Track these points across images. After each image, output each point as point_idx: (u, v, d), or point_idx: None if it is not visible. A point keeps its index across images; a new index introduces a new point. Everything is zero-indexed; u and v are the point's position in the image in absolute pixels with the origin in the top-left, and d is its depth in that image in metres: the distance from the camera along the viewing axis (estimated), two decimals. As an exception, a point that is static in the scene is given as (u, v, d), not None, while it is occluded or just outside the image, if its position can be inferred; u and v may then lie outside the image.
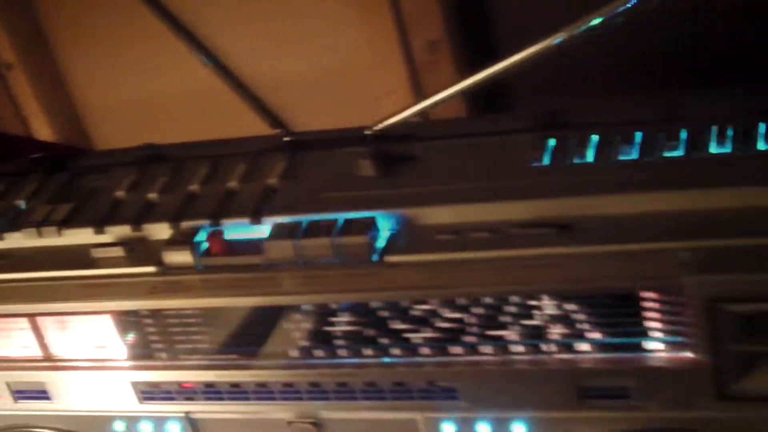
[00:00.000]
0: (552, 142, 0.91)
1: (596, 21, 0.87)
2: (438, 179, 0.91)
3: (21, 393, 1.02)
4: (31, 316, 0.97)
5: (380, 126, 0.96)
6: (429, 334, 0.87)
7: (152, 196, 0.99)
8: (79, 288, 0.95)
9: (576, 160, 0.89)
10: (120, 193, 1.01)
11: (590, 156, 0.89)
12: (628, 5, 0.86)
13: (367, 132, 0.98)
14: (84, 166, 1.10)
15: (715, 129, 0.87)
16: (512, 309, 0.84)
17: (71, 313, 0.95)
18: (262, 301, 0.88)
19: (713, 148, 0.85)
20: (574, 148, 0.90)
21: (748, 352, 0.79)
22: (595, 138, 0.90)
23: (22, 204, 1.04)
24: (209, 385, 0.94)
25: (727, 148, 0.85)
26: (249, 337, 0.91)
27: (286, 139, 1.02)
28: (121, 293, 0.93)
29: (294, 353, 0.91)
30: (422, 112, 0.97)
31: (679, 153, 0.86)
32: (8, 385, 1.02)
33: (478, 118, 1.35)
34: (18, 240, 1.01)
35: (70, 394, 1.00)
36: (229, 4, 1.63)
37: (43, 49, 1.90)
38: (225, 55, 1.06)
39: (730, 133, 0.86)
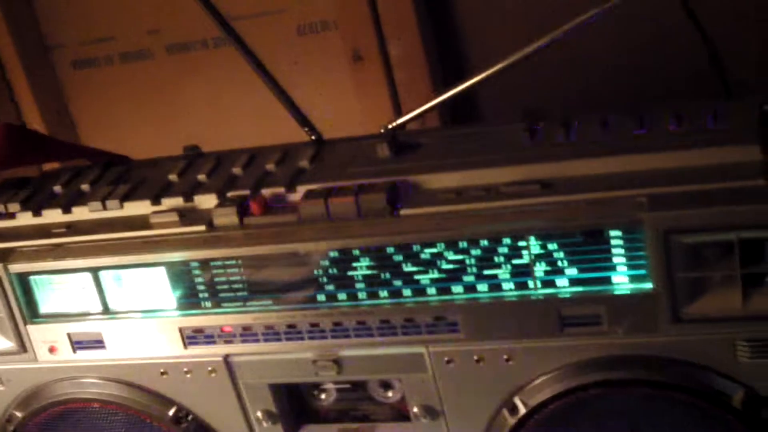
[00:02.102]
0: (537, 128, 1.11)
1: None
2: (441, 156, 1.11)
3: (80, 343, 1.18)
4: (94, 271, 1.14)
5: (392, 125, 1.16)
6: (435, 276, 1.05)
7: (200, 177, 1.18)
8: (137, 244, 1.13)
9: (558, 139, 1.09)
10: (172, 177, 1.19)
11: (571, 136, 1.09)
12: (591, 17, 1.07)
13: (381, 129, 1.17)
14: (135, 163, 1.30)
15: (672, 118, 1.07)
16: (504, 250, 1.02)
17: (130, 266, 1.13)
18: (295, 248, 1.06)
19: (671, 127, 1.05)
20: (557, 131, 1.09)
21: (697, 278, 0.98)
22: (574, 124, 1.10)
23: (86, 188, 1.22)
24: (246, 327, 1.11)
25: (682, 128, 1.05)
26: (282, 284, 1.09)
27: (313, 137, 1.21)
28: (175, 247, 1.11)
29: (321, 297, 1.09)
30: (423, 114, 1.16)
31: (642, 131, 1.06)
32: (69, 336, 1.18)
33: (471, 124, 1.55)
34: (84, 213, 1.18)
35: (124, 343, 1.16)
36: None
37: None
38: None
39: (685, 120, 1.07)
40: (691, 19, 1.15)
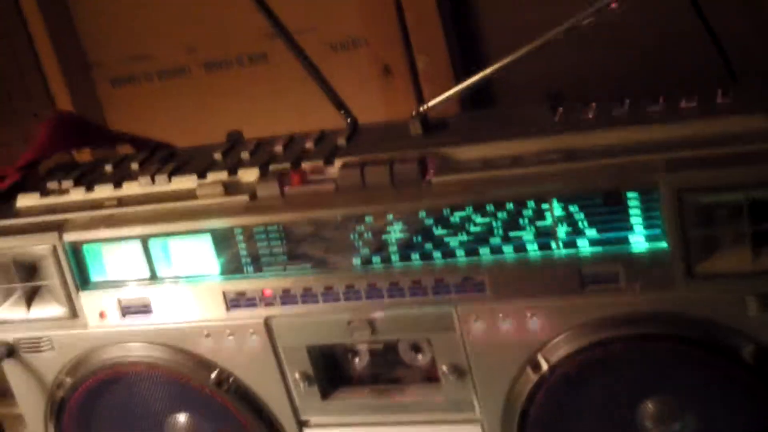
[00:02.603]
0: (559, 106, 1.19)
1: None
2: (468, 132, 1.19)
3: (128, 308, 1.26)
4: (144, 239, 1.22)
5: (423, 108, 1.24)
6: (463, 238, 1.13)
7: (243, 155, 1.26)
8: (184, 213, 1.21)
9: (578, 116, 1.17)
10: (216, 156, 1.28)
11: (590, 113, 1.17)
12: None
13: (413, 113, 1.26)
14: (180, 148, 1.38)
15: (685, 96, 1.15)
16: (528, 213, 1.10)
17: (178, 234, 1.21)
18: (333, 213, 1.14)
19: (683, 104, 1.13)
20: (579, 111, 1.17)
21: (709, 237, 1.05)
22: (592, 104, 1.18)
23: (135, 167, 1.30)
24: (286, 290, 1.19)
25: (694, 103, 1.13)
26: (319, 249, 1.17)
27: (348, 120, 1.30)
28: (220, 215, 1.19)
29: (356, 260, 1.16)
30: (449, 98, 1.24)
31: (657, 108, 1.14)
32: (119, 301, 1.26)
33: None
34: (134, 188, 1.27)
35: (170, 308, 1.24)
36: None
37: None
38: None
39: (696, 97, 1.15)
40: (695, 7, 1.23)
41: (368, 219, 1.14)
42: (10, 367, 1.33)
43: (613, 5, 1.13)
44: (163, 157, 1.31)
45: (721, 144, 1.05)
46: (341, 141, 1.23)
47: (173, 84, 2.17)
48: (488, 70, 1.20)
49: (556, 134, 1.12)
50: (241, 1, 2.04)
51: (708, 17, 1.31)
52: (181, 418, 1.31)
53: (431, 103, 1.22)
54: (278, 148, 1.25)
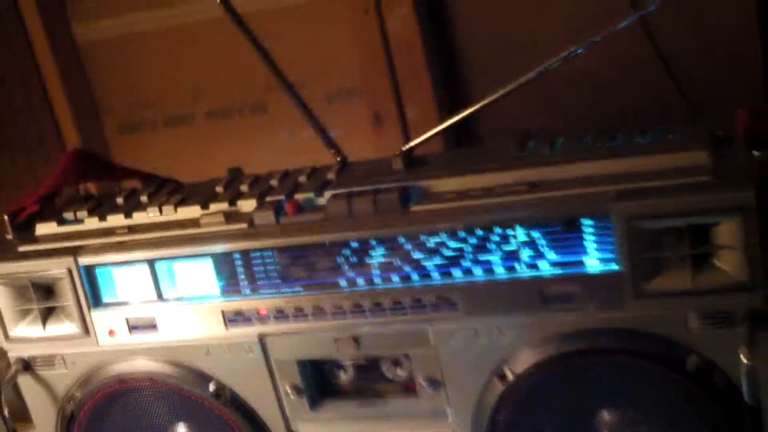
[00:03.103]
0: (530, 144, 1.33)
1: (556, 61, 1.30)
2: (446, 168, 1.32)
3: (136, 327, 1.39)
4: (151, 263, 1.35)
5: (406, 147, 1.38)
6: (438, 262, 1.26)
7: (243, 188, 1.40)
8: (188, 240, 1.34)
9: (544, 152, 1.31)
10: (218, 189, 1.41)
11: (554, 150, 1.31)
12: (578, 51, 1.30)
13: (397, 152, 1.39)
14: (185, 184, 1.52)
15: (640, 133, 1.29)
16: (496, 239, 1.24)
17: (182, 258, 1.34)
18: (322, 239, 1.28)
19: (639, 139, 1.27)
20: (543, 146, 1.32)
21: (655, 259, 1.19)
22: (560, 141, 1.32)
23: (144, 199, 1.44)
24: (279, 310, 1.32)
25: (648, 139, 1.27)
26: (310, 272, 1.30)
27: (338, 158, 1.44)
28: (221, 241, 1.32)
29: (343, 282, 1.30)
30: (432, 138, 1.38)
31: (617, 144, 1.28)
32: (127, 320, 1.38)
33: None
34: (143, 217, 1.40)
35: (174, 326, 1.37)
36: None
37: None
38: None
39: (649, 134, 1.28)
40: (653, 45, 1.37)
41: (354, 244, 1.27)
42: (25, 382, 1.45)
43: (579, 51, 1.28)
44: (170, 190, 1.45)
45: (666, 177, 1.18)
46: (331, 175, 1.37)
47: (177, 131, 2.32)
48: (464, 113, 1.35)
49: (522, 168, 1.26)
50: (243, 56, 2.21)
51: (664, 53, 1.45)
52: (182, 428, 1.42)
53: (413, 143, 1.36)
54: (274, 182, 1.39)
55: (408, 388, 1.34)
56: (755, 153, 1.18)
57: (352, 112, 2.17)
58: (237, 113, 2.27)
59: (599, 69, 1.76)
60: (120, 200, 1.45)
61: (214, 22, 2.22)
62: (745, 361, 1.14)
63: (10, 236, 1.45)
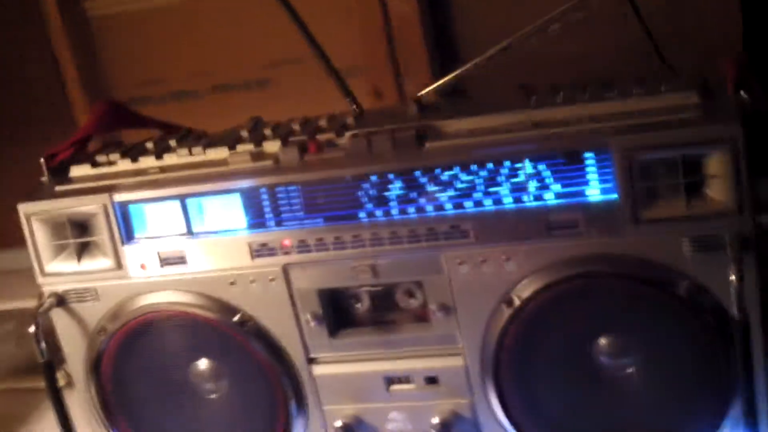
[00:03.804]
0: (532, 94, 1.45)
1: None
2: (457, 111, 1.43)
3: (166, 260, 1.49)
4: (182, 198, 1.46)
5: (420, 93, 1.49)
6: (451, 193, 1.37)
7: (266, 132, 1.50)
8: (218, 176, 1.45)
9: (548, 99, 1.42)
10: (243, 133, 1.52)
11: (557, 96, 1.42)
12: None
13: (412, 98, 1.50)
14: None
15: (634, 83, 1.41)
16: (505, 171, 1.35)
17: (212, 192, 1.44)
18: (343, 173, 1.38)
19: (633, 89, 1.39)
20: (547, 95, 1.43)
21: (651, 188, 1.30)
22: (559, 90, 1.43)
23: (173, 143, 1.54)
24: (302, 241, 1.42)
25: (643, 87, 1.39)
26: (332, 205, 1.41)
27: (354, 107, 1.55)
28: (248, 176, 1.43)
29: (362, 214, 1.40)
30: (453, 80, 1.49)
31: (614, 91, 1.39)
32: (158, 254, 1.48)
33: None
34: (173, 158, 1.50)
35: (202, 259, 1.47)
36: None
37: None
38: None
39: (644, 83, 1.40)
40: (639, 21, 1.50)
41: (373, 178, 1.38)
42: (58, 315, 1.54)
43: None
44: (197, 136, 1.55)
45: (660, 114, 1.30)
46: (349, 120, 1.48)
47: (183, 105, 2.42)
48: (469, 65, 1.46)
49: (527, 110, 1.37)
50: (248, 32, 2.33)
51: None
52: (203, 363, 1.52)
53: (426, 90, 1.47)
54: (295, 126, 1.50)
55: (420, 317, 1.45)
56: (741, 94, 1.29)
57: (352, 87, 2.27)
58: (242, 87, 2.37)
59: (589, 54, 1.88)
60: (150, 145, 1.55)
61: (211, 3, 2.34)
62: (733, 279, 1.25)
63: (45, 178, 1.54)
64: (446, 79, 1.47)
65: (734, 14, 1.95)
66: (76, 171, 1.53)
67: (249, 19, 2.36)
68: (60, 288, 1.53)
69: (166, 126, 1.65)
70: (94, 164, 1.53)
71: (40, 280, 1.53)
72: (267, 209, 1.42)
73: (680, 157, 1.26)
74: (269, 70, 2.35)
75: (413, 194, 1.37)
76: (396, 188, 1.37)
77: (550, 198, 1.33)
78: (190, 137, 1.55)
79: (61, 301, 1.53)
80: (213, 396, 1.53)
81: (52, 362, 1.51)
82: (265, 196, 1.42)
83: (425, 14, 2.18)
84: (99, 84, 2.47)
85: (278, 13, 2.33)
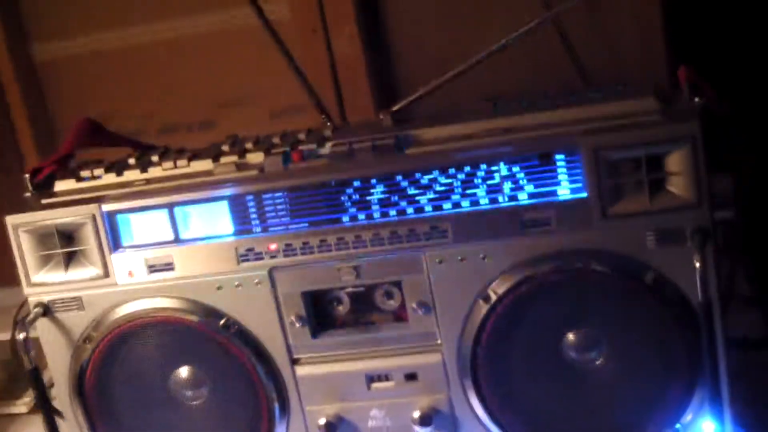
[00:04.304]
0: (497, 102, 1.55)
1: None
2: (430, 121, 1.53)
3: (153, 267, 1.55)
4: (170, 207, 1.52)
5: (395, 107, 1.59)
6: (431, 196, 1.46)
7: (248, 145, 1.58)
8: (205, 184, 1.52)
9: (514, 106, 1.53)
10: (225, 147, 1.60)
11: (522, 104, 1.53)
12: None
13: (381, 116, 1.60)
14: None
15: (593, 91, 1.53)
16: (481, 174, 1.45)
17: (199, 201, 1.51)
18: (328, 178, 1.47)
19: (592, 94, 1.51)
20: (512, 102, 1.54)
21: (617, 185, 1.41)
22: (522, 99, 1.55)
23: (155, 158, 1.61)
24: (288, 244, 1.50)
25: (601, 93, 1.50)
26: (316, 209, 1.49)
27: (328, 124, 1.64)
28: (235, 185, 1.50)
29: (345, 218, 1.49)
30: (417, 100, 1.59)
31: (575, 98, 1.51)
32: (145, 260, 1.54)
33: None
34: (158, 171, 1.57)
35: (189, 264, 1.53)
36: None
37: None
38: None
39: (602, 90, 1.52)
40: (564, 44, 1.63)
41: (356, 183, 1.46)
42: (43, 325, 1.58)
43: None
44: (178, 151, 1.62)
45: (623, 117, 1.42)
46: (328, 133, 1.57)
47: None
48: (439, 81, 1.56)
49: (497, 118, 1.48)
50: (194, 75, 2.41)
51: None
52: (189, 365, 1.57)
53: (401, 104, 1.57)
54: (276, 140, 1.58)
55: (398, 317, 1.53)
56: (697, 99, 1.42)
57: (300, 124, 2.36)
58: (188, 128, 2.45)
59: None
60: (132, 161, 1.61)
61: (167, 43, 2.42)
62: (697, 265, 1.36)
63: (28, 194, 1.59)
64: (417, 95, 1.56)
65: (656, 32, 2.09)
66: (61, 185, 1.59)
67: (195, 61, 2.44)
68: (46, 298, 1.57)
69: (144, 146, 1.71)
70: (79, 179, 1.59)
71: (26, 290, 1.57)
72: (253, 215, 1.50)
73: (644, 155, 1.37)
74: (215, 110, 2.43)
75: (394, 198, 1.46)
76: (378, 192, 1.46)
77: (523, 198, 1.43)
78: (171, 152, 1.61)
79: (46, 310, 1.57)
80: (196, 402, 1.58)
81: (38, 369, 1.54)
82: (251, 203, 1.49)
83: (368, 56, 2.29)
84: (48, 126, 2.52)
85: (224, 54, 2.43)
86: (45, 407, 1.57)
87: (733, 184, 1.42)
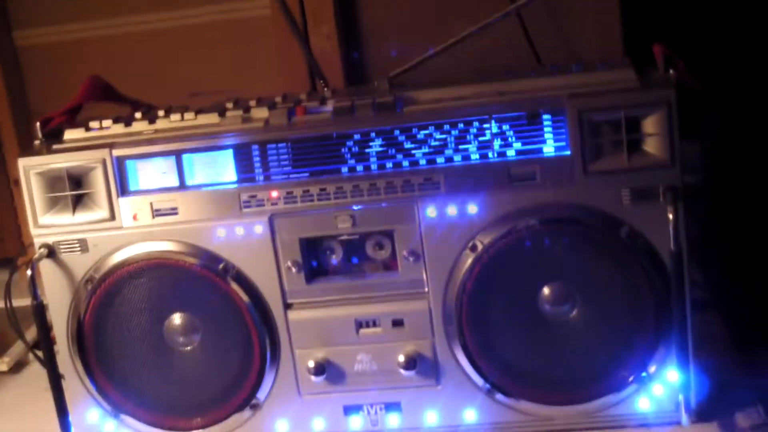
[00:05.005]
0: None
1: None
2: (426, 85, 1.66)
3: (158, 211, 1.63)
4: (178, 153, 1.62)
5: (393, 73, 1.71)
6: (426, 150, 1.58)
7: (251, 103, 1.69)
8: (213, 133, 1.62)
9: (502, 74, 1.66)
10: (229, 104, 1.70)
11: (510, 74, 1.66)
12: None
13: (375, 83, 1.72)
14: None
15: (573, 66, 1.66)
16: (473, 131, 1.57)
17: (206, 149, 1.61)
18: (330, 131, 1.57)
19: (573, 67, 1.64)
20: (500, 72, 1.67)
21: (598, 144, 1.54)
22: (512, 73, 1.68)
23: (161, 113, 1.71)
24: (289, 192, 1.60)
25: (580, 67, 1.64)
26: (318, 160, 1.60)
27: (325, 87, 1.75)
28: (241, 135, 1.60)
29: (344, 169, 1.60)
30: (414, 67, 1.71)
31: (557, 70, 1.64)
32: (151, 204, 1.63)
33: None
34: (166, 123, 1.66)
35: (193, 210, 1.62)
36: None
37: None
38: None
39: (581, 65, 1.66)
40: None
41: (356, 137, 1.58)
42: (47, 266, 1.66)
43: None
44: (183, 107, 1.72)
45: (604, 85, 1.55)
46: (328, 94, 1.68)
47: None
48: (431, 53, 1.69)
49: (489, 82, 1.61)
50: (171, 65, 2.50)
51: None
52: (185, 309, 1.65)
53: (398, 70, 1.69)
54: (278, 99, 1.68)
55: (387, 267, 1.63)
56: (671, 72, 1.56)
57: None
58: (168, 115, 2.52)
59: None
60: (139, 115, 1.70)
61: (149, 34, 2.51)
62: (671, 216, 1.49)
63: (38, 142, 1.68)
64: (412, 63, 1.68)
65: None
66: (71, 134, 1.67)
67: (176, 52, 2.54)
68: (51, 240, 1.65)
69: (147, 105, 1.80)
70: (88, 129, 1.67)
71: (33, 231, 1.64)
72: (257, 164, 1.59)
73: (624, 117, 1.51)
74: (194, 99, 2.52)
75: (392, 151, 1.57)
76: (376, 145, 1.57)
77: (511, 154, 1.55)
78: (176, 108, 1.71)
79: (51, 252, 1.65)
80: (189, 347, 1.66)
81: (43, 304, 1.62)
82: (256, 153, 1.59)
83: (343, 50, 2.40)
84: (26, 110, 2.58)
85: (205, 47, 2.52)
86: (46, 343, 1.63)
87: (701, 151, 1.56)
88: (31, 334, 2.01)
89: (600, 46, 2.17)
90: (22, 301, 1.79)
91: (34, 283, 1.61)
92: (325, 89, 1.77)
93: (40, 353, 1.73)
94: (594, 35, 2.17)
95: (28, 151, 1.65)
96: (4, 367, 2.06)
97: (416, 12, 2.36)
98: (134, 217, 1.62)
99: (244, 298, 1.62)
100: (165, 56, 2.52)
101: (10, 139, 2.59)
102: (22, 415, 1.89)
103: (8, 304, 1.78)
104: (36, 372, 2.05)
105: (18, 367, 2.09)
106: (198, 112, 1.65)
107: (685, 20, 2.20)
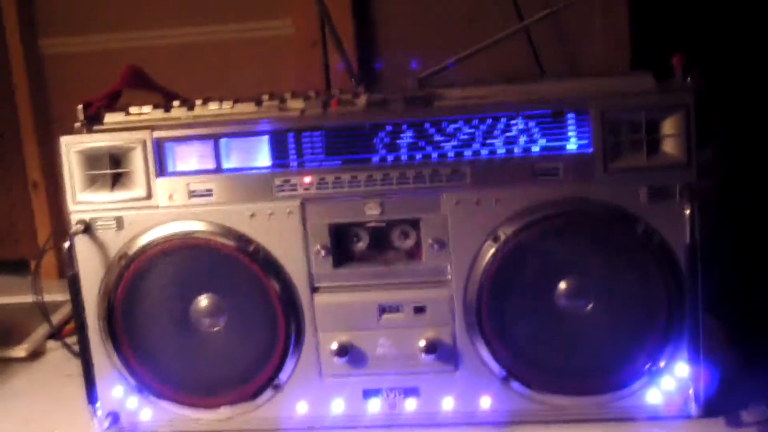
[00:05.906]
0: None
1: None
2: (454, 85, 1.74)
3: (193, 192, 1.70)
4: (216, 137, 1.69)
5: (423, 74, 1.79)
6: (454, 143, 1.66)
7: (286, 95, 1.77)
8: (250, 120, 1.70)
9: (527, 79, 1.75)
10: (264, 96, 1.78)
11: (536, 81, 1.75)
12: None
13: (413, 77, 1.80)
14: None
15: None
16: (501, 126, 1.65)
17: (244, 134, 1.69)
18: (363, 122, 1.65)
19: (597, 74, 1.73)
20: (524, 76, 1.76)
21: (619, 142, 1.63)
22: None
23: (199, 102, 1.78)
24: (322, 179, 1.67)
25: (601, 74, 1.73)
26: (350, 149, 1.67)
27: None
28: (278, 122, 1.68)
29: (375, 158, 1.68)
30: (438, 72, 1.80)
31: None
32: (187, 185, 1.70)
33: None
34: (204, 110, 1.74)
35: (227, 192, 1.69)
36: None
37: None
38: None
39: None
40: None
41: (388, 128, 1.65)
42: (81, 241, 1.72)
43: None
44: (221, 98, 1.79)
45: (628, 88, 1.64)
46: (360, 90, 1.76)
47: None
48: (459, 56, 1.77)
49: (515, 84, 1.69)
50: (195, 82, 2.58)
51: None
52: (214, 290, 1.72)
53: (427, 72, 1.77)
54: (312, 94, 1.76)
55: (411, 255, 1.70)
56: (688, 79, 1.65)
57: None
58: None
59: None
60: (177, 103, 1.78)
61: (172, 48, 2.59)
62: (687, 212, 1.57)
63: (78, 124, 1.75)
64: (440, 67, 1.77)
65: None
66: (111, 118, 1.75)
67: (197, 67, 2.62)
68: (88, 216, 1.71)
69: (182, 97, 1.88)
70: (128, 113, 1.75)
71: (71, 207, 1.71)
72: (292, 151, 1.67)
73: (644, 117, 1.59)
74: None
75: (422, 143, 1.65)
76: (407, 137, 1.65)
77: (536, 150, 1.63)
78: (213, 99, 1.78)
79: (87, 228, 1.71)
80: (215, 329, 1.72)
81: (77, 275, 1.68)
82: (291, 140, 1.66)
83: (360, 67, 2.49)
84: (48, 116, 2.66)
85: (227, 63, 2.60)
86: (77, 313, 1.69)
87: (713, 156, 1.64)
88: (44, 329, 2.08)
89: (607, 57, 2.28)
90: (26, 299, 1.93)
91: (71, 255, 1.66)
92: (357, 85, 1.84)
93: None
94: (602, 47, 2.27)
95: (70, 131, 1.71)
96: (22, 353, 2.10)
97: (429, 30, 2.45)
98: (170, 197, 1.68)
99: (273, 280, 1.68)
100: (187, 70, 2.60)
101: (30, 142, 2.66)
102: (38, 401, 1.92)
103: (36, 291, 1.82)
104: (54, 359, 2.10)
105: (35, 355, 2.13)
106: (235, 101, 1.72)
107: (692, 30, 2.30)
